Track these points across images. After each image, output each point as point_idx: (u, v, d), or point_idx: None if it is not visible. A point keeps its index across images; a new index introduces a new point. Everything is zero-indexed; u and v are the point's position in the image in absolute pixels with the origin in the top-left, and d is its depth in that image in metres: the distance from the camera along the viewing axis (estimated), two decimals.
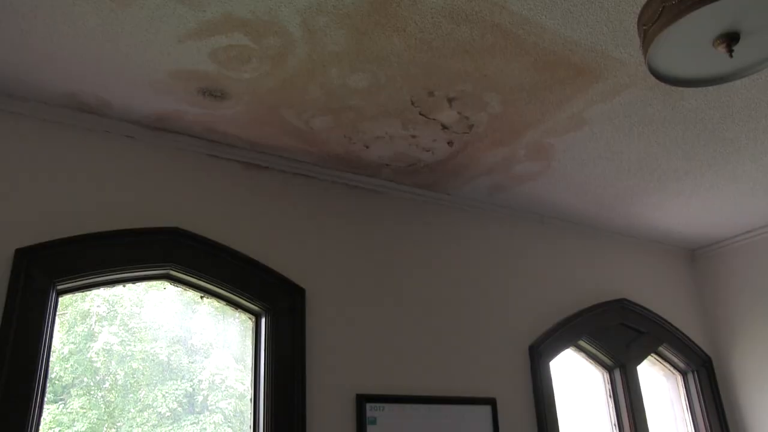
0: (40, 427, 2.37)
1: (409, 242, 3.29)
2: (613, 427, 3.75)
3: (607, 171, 3.31)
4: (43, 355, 2.39)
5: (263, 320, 2.88)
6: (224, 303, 2.95)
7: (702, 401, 4.14)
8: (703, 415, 4.11)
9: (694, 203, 3.77)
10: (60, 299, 2.61)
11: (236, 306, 2.93)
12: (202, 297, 2.98)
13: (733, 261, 4.31)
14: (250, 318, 2.94)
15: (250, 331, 2.94)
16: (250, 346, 2.92)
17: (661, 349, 4.12)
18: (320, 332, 2.89)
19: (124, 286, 3.07)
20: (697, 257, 4.51)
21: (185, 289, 2.95)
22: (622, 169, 3.30)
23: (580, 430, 3.64)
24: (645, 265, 4.25)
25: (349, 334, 2.96)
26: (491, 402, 3.19)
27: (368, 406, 2.86)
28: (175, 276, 2.82)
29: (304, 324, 2.86)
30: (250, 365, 2.89)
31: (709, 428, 4.08)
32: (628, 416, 3.73)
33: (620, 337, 3.88)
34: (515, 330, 3.45)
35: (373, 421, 2.85)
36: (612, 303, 3.90)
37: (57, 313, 2.58)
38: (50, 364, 2.51)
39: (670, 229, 4.16)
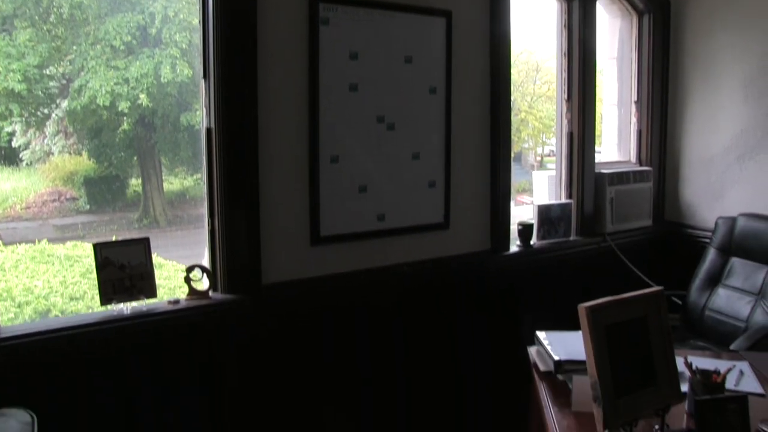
0: None
1: None
2: (563, 55, 3.82)
3: None
4: None
5: None
6: None
7: (651, 42, 4.20)
8: (649, 55, 4.21)
9: None
10: None
11: None
12: None
13: None
14: None
15: None
16: None
17: None
18: None
19: None
20: None
21: None
22: None
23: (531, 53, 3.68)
24: None
25: None
26: (447, 14, 3.14)
27: (321, 6, 2.78)
28: None
29: None
30: None
31: (652, 66, 4.21)
32: (579, 47, 3.78)
33: None
34: None
35: (326, 22, 2.80)
36: None
37: None
38: None
39: None
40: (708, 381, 2.13)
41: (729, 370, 2.20)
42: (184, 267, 2.71)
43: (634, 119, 4.28)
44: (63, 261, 5.42)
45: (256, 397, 2.77)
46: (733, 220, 3.62)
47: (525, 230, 3.56)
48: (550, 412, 2.17)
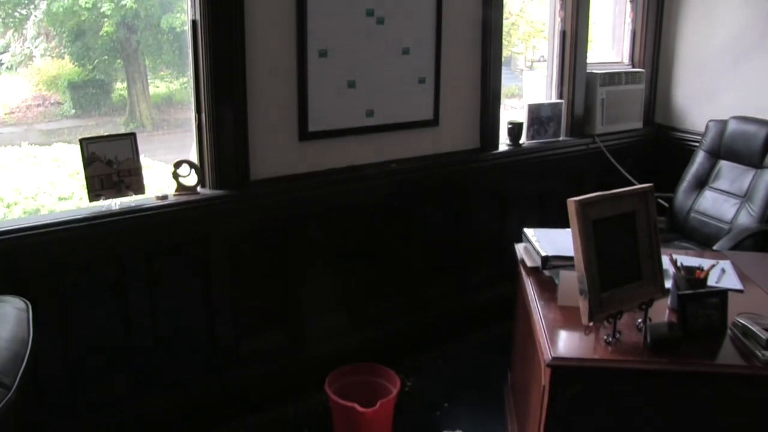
0: None
1: None
2: None
3: None
4: None
5: None
6: None
7: None
8: None
9: None
10: None
11: None
12: None
13: None
14: None
15: None
16: None
17: None
18: None
19: None
20: None
21: None
22: None
23: None
24: None
25: None
26: None
27: None
28: None
29: None
30: None
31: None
32: None
33: None
34: None
35: None
36: None
37: None
38: None
39: None
40: (691, 276, 2.17)
41: (712, 266, 2.24)
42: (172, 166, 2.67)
43: (628, 19, 4.18)
44: (50, 163, 5.36)
45: (245, 290, 2.82)
46: (724, 123, 3.60)
47: (514, 129, 3.53)
48: (537, 307, 2.21)
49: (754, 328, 1.95)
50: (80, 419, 2.51)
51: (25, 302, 1.64)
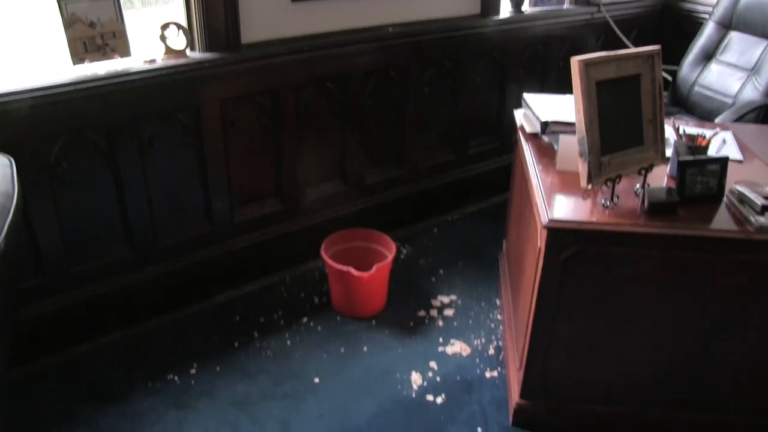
0: None
1: None
2: None
3: None
4: None
5: None
6: None
7: None
8: None
9: None
10: None
11: None
12: None
13: None
14: None
15: None
16: None
17: None
18: None
19: None
20: None
21: None
22: None
23: None
24: None
25: None
26: None
27: None
28: None
29: None
30: None
31: None
32: None
33: None
34: None
35: None
36: None
37: None
38: None
39: None
40: (692, 143, 2.13)
41: (714, 134, 2.21)
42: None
43: None
44: (32, 34, 5.18)
45: (238, 157, 2.78)
46: None
47: None
48: (535, 171, 2.19)
49: (751, 195, 1.94)
50: (78, 287, 2.54)
51: (8, 158, 1.59)
